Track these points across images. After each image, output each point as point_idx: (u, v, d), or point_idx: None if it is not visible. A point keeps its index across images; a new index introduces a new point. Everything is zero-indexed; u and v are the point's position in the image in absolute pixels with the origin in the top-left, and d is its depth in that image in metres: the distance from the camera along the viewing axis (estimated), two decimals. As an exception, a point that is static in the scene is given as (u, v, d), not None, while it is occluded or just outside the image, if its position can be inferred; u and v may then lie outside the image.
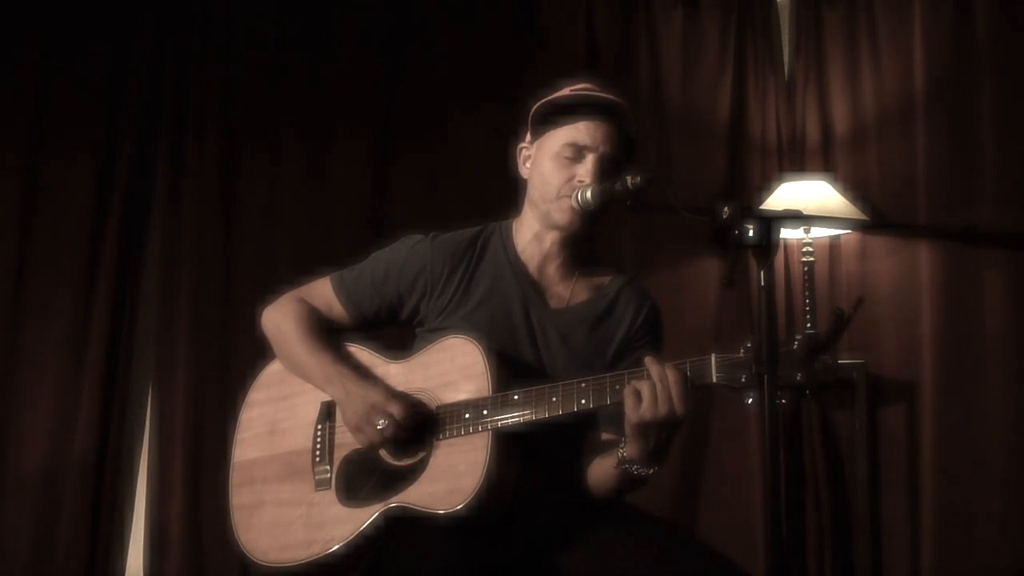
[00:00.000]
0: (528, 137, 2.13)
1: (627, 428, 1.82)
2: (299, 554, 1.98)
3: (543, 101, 2.12)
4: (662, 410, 1.77)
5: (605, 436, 2.00)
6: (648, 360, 1.81)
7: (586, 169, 2.01)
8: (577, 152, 2.02)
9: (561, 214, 2.03)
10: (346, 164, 3.84)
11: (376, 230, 3.64)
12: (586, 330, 2.06)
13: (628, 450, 1.85)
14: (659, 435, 1.81)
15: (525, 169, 2.13)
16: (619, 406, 1.84)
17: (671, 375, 1.78)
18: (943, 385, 3.52)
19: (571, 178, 2.02)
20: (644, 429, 1.80)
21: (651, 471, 1.87)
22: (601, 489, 1.99)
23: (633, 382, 1.80)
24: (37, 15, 3.80)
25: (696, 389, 1.80)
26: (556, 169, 2.03)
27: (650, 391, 1.78)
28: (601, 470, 1.97)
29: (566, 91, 2.10)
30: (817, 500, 3.63)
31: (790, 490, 3.55)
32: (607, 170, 2.00)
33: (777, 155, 3.78)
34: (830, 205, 3.47)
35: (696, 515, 3.66)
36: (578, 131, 2.02)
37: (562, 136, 2.04)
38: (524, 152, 2.14)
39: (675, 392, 1.77)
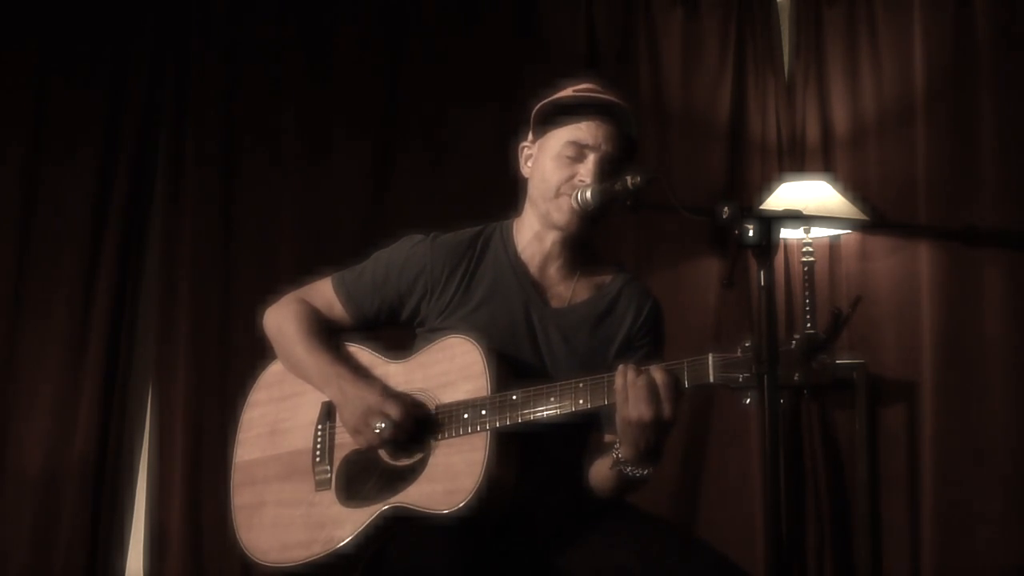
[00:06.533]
0: (530, 136, 2.13)
1: (618, 428, 1.83)
2: (299, 554, 1.99)
3: (546, 101, 2.11)
4: (648, 412, 1.78)
5: (607, 438, 2.01)
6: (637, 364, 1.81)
7: (587, 169, 2.01)
8: (579, 151, 2.02)
9: (560, 214, 2.03)
10: (346, 163, 3.84)
11: (376, 230, 3.64)
12: (588, 330, 2.06)
13: (622, 451, 1.86)
14: (648, 436, 1.81)
15: (526, 168, 2.13)
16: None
17: (659, 377, 1.79)
18: (943, 385, 3.52)
19: (572, 177, 2.02)
20: (632, 429, 1.80)
21: (645, 472, 1.87)
22: (601, 489, 2.00)
23: (621, 382, 1.81)
24: (37, 15, 3.80)
25: (693, 389, 1.80)
26: (557, 168, 2.03)
27: (635, 392, 1.78)
28: (599, 471, 1.98)
29: (569, 91, 2.10)
30: (817, 500, 3.62)
31: (790, 490, 3.55)
32: (608, 170, 2.00)
33: (777, 155, 3.77)
34: (830, 205, 3.47)
35: (696, 515, 3.66)
36: (580, 130, 2.02)
37: (564, 135, 2.03)
38: (526, 151, 2.14)
39: (663, 395, 1.78)
